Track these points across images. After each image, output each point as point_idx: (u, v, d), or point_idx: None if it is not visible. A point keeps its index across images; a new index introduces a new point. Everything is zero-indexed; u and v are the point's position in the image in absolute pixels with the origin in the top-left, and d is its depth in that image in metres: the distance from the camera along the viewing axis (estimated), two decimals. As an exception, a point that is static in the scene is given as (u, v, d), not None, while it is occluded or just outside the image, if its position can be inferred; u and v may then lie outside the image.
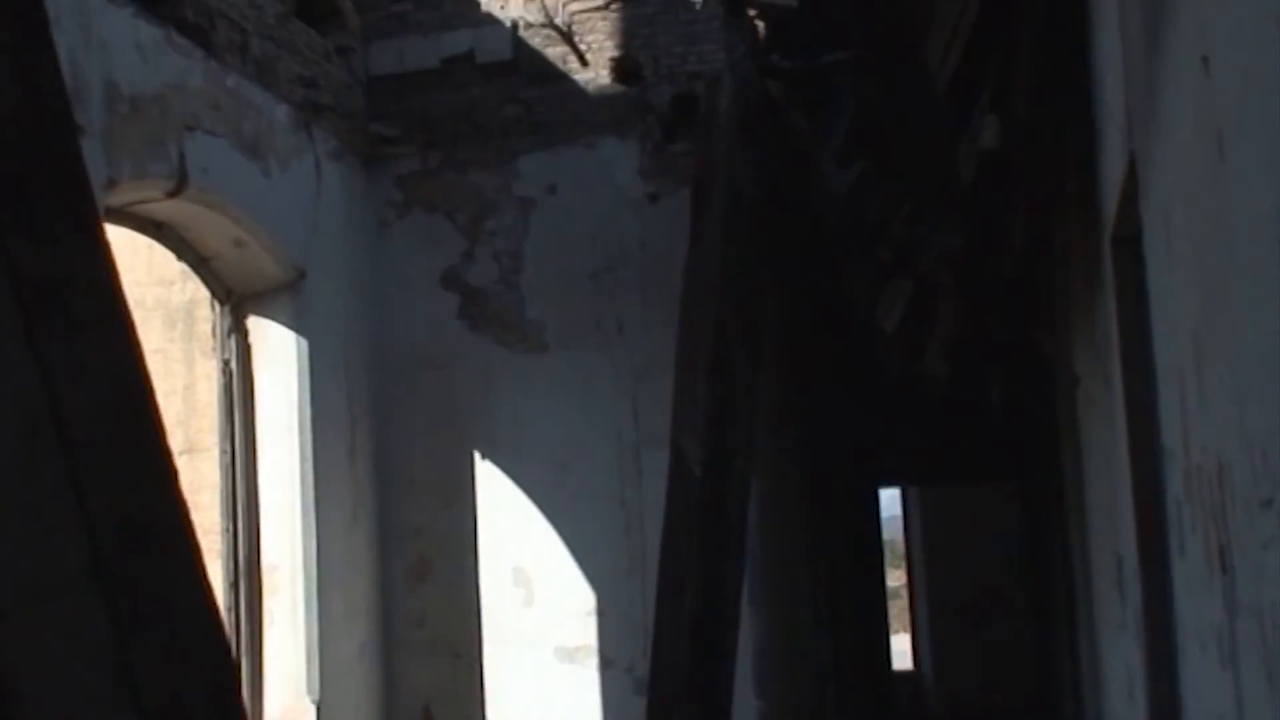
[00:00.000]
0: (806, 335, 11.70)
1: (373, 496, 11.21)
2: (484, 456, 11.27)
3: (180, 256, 10.22)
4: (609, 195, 11.18)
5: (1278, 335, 2.29)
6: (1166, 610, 4.72)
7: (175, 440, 9.86)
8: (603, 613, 10.96)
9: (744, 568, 9.11)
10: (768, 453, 10.60)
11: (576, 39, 11.35)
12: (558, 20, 11.38)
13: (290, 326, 10.48)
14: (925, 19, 7.22)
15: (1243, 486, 2.80)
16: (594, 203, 11.20)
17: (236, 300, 10.53)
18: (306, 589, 10.29)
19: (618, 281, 11.09)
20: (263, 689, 10.29)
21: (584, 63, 11.34)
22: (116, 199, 8.81)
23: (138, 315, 2.53)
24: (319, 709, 10.26)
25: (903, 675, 19.81)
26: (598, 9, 11.36)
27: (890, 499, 19.81)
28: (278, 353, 10.50)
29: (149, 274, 11.00)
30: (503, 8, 11.52)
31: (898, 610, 23.40)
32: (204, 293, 10.65)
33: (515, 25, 11.48)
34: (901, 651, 20.80)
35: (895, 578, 24.29)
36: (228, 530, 10.24)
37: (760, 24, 10.66)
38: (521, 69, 11.46)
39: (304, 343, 10.49)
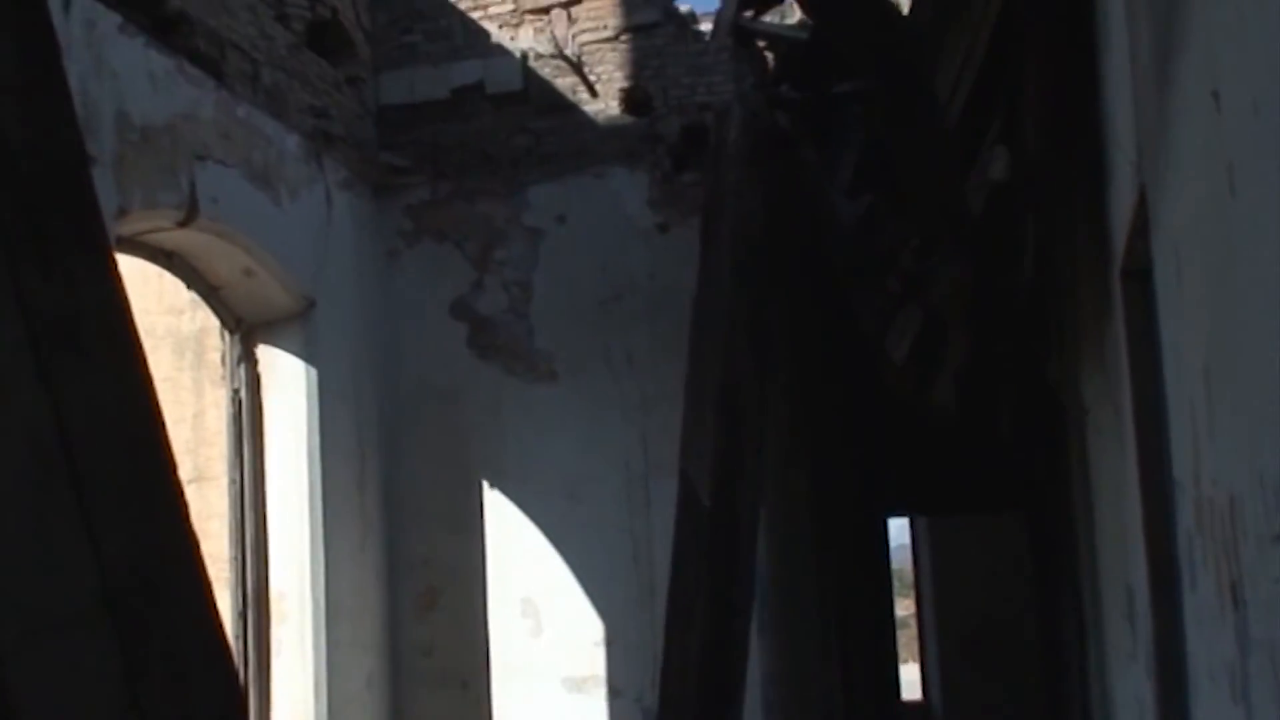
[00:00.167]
0: (815, 365, 11.69)
1: (381, 525, 11.20)
2: (492, 486, 11.26)
3: (190, 285, 10.24)
4: (618, 225, 11.20)
5: (1289, 371, 2.29)
6: (1177, 643, 4.69)
7: (184, 469, 9.86)
8: (611, 642, 10.93)
9: (753, 597, 9.08)
10: (776, 482, 10.58)
11: (586, 70, 11.38)
12: (567, 51, 11.41)
13: (299, 355, 10.49)
14: (935, 51, 7.23)
15: (1254, 521, 2.79)
16: (603, 233, 11.21)
17: (246, 329, 10.54)
18: (315, 618, 10.28)
19: (626, 311, 11.09)
20: (270, 718, 10.27)
21: (593, 93, 11.37)
22: (127, 228, 8.84)
23: (147, 344, 2.53)
24: (326, 739, 10.25)
25: (911, 706, 19.72)
26: (607, 40, 11.40)
27: (898, 528, 19.77)
28: (287, 381, 10.51)
29: (159, 303, 11.02)
30: (513, 39, 11.55)
31: (906, 640, 23.31)
32: (214, 321, 10.67)
33: (525, 56, 11.52)
34: (910, 681, 20.71)
35: (904, 607, 24.21)
36: (236, 559, 10.23)
37: (769, 55, 10.69)
38: (531, 100, 11.50)
39: (313, 372, 10.50)
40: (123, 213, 8.47)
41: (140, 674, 2.19)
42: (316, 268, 10.62)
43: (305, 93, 10.61)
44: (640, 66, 11.36)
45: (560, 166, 11.38)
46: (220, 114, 9.51)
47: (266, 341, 10.54)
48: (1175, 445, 4.24)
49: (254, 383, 10.53)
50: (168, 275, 10.14)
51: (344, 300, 10.95)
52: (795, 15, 10.63)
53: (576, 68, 11.40)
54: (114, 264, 2.58)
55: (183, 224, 9.24)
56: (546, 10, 11.54)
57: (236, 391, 10.49)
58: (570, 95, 11.44)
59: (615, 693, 10.87)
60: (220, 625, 2.42)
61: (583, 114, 11.40)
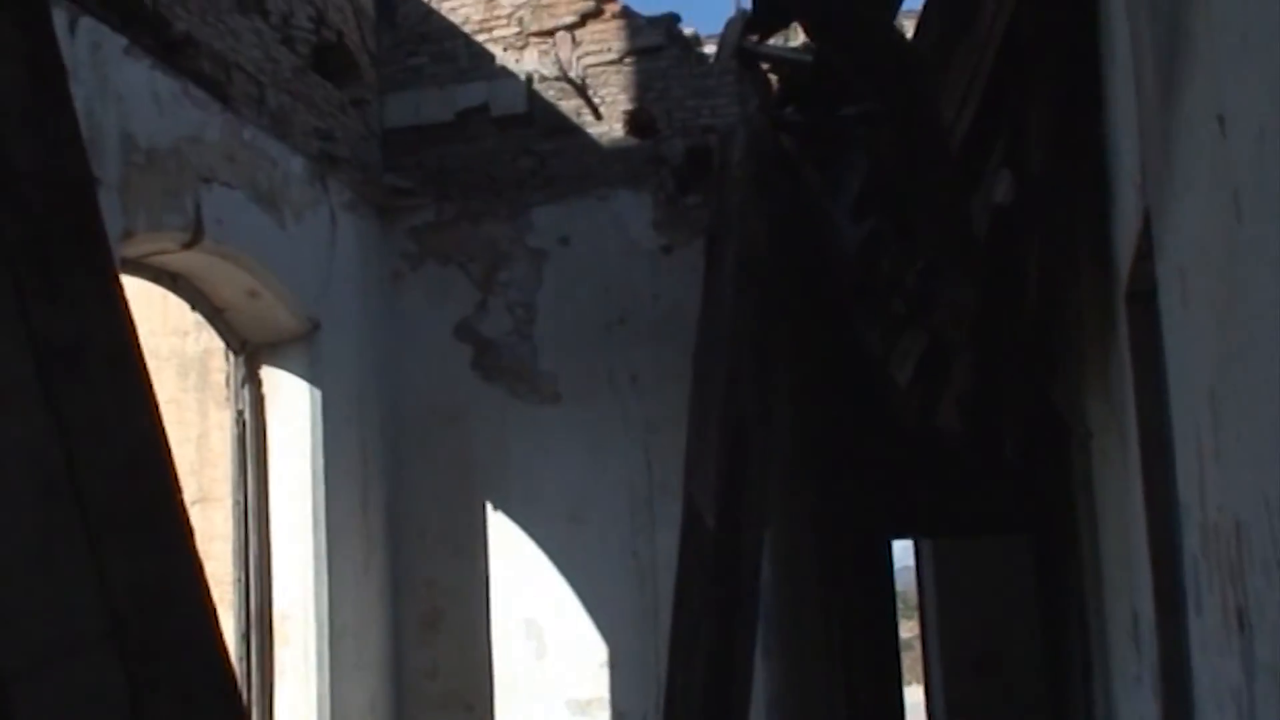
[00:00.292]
0: (819, 388, 11.68)
1: (385, 547, 11.19)
2: (496, 507, 11.26)
3: (195, 307, 10.25)
4: (622, 247, 11.21)
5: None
6: (1183, 667, 4.69)
7: (188, 490, 9.87)
8: (615, 665, 10.91)
9: (757, 620, 9.06)
10: (781, 505, 10.57)
11: (590, 92, 11.41)
12: (572, 74, 11.44)
13: (304, 377, 10.50)
14: (939, 74, 7.24)
15: (1260, 546, 2.78)
16: (607, 255, 11.22)
17: (250, 350, 10.55)
18: (318, 640, 10.26)
19: (631, 333, 11.09)
20: (273, 741, 10.26)
21: (598, 116, 11.39)
22: (132, 250, 8.85)
23: (152, 365, 2.53)
24: (330, 761, 10.23)
25: (915, 729, 19.67)
26: (612, 63, 11.42)
27: (902, 550, 19.74)
28: (291, 403, 10.51)
29: (163, 324, 11.03)
30: (518, 61, 11.58)
31: (910, 662, 23.27)
32: (218, 343, 10.68)
33: (529, 79, 11.54)
34: (914, 704, 20.66)
35: (908, 629, 24.16)
36: (240, 580, 10.23)
37: (773, 78, 10.70)
38: (535, 122, 11.52)
39: (317, 393, 10.50)
40: (128, 234, 8.48)
41: (145, 699, 2.18)
42: (321, 290, 10.63)
43: (310, 115, 10.63)
44: (644, 89, 11.38)
45: (564, 188, 11.39)
46: (225, 136, 9.52)
47: (271, 363, 10.55)
48: (1180, 469, 4.24)
49: (258, 404, 10.53)
50: (172, 296, 10.15)
51: (348, 322, 10.96)
52: (799, 38, 10.65)
53: (581, 90, 11.42)
54: (120, 288, 2.58)
55: (188, 246, 9.25)
56: (551, 33, 11.57)
57: (241, 413, 10.49)
58: (574, 117, 11.46)
59: (619, 715, 10.84)
60: (225, 650, 2.42)
61: (587, 136, 11.42)
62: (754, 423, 8.86)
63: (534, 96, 11.54)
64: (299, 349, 10.53)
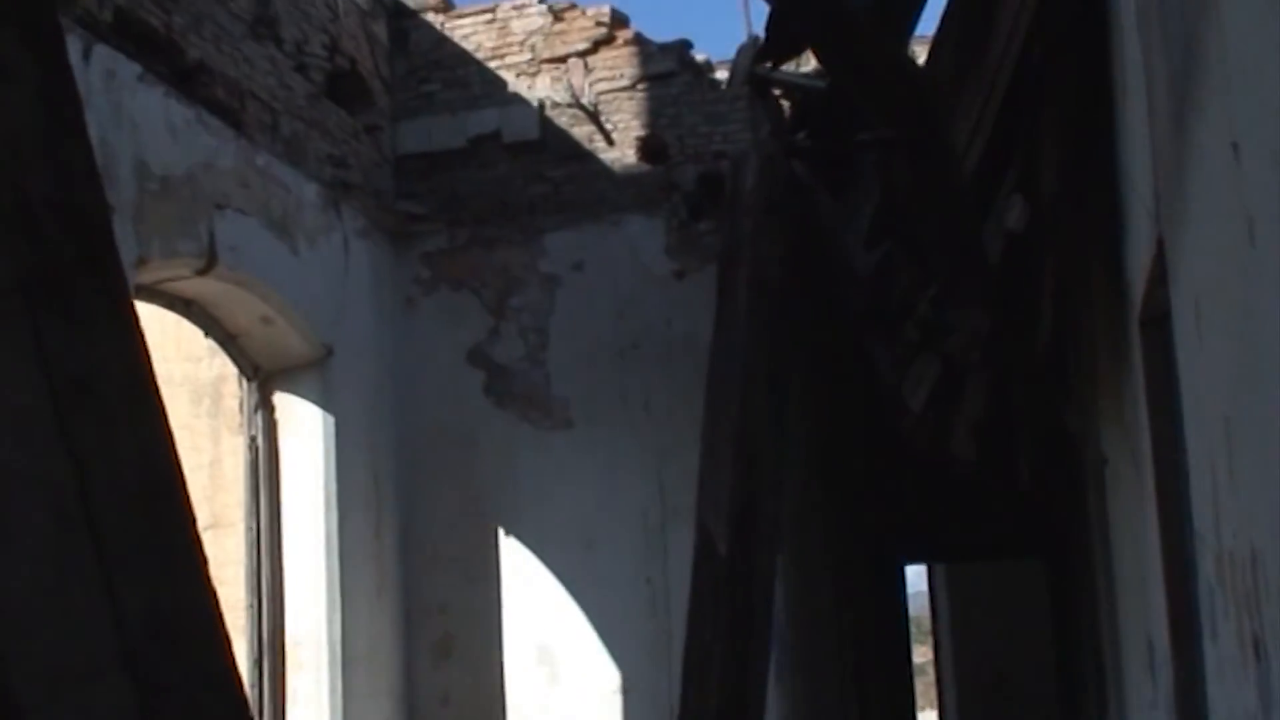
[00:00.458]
0: (832, 413, 11.68)
1: (397, 573, 11.19)
2: (508, 533, 11.25)
3: (208, 333, 10.27)
4: (635, 273, 11.22)
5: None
6: (1198, 695, 4.67)
7: (200, 515, 9.86)
8: (628, 691, 10.89)
9: (771, 645, 9.04)
10: (793, 530, 10.55)
11: (603, 118, 11.43)
12: (584, 100, 11.46)
13: (317, 403, 10.51)
14: (952, 100, 7.25)
15: (1276, 574, 2.77)
16: (620, 280, 11.23)
17: (264, 376, 10.57)
18: (331, 666, 10.26)
19: (643, 359, 11.09)
20: (286, 767, 10.24)
21: (610, 142, 11.41)
22: (146, 277, 8.87)
23: (165, 391, 2.53)
24: (342, 788, 10.21)
25: (929, 754, 19.63)
26: (624, 89, 11.45)
27: (916, 574, 19.71)
28: (304, 429, 10.52)
29: (176, 350, 11.04)
30: (530, 88, 11.61)
31: (924, 687, 23.21)
32: (231, 369, 10.70)
33: (542, 105, 11.57)
34: (928, 730, 20.61)
35: (921, 654, 24.10)
36: (252, 606, 10.22)
37: (786, 103, 10.71)
38: (548, 148, 11.54)
39: (330, 419, 10.51)
40: (142, 261, 8.51)
41: (159, 730, 2.18)
42: (334, 315, 10.65)
43: (324, 142, 10.66)
44: (656, 115, 11.40)
45: (577, 214, 11.41)
46: (239, 163, 9.55)
47: (284, 389, 10.56)
48: (1195, 496, 4.22)
49: (271, 430, 10.54)
50: (185, 322, 10.17)
51: (361, 348, 10.97)
52: (811, 63, 10.66)
53: (593, 116, 11.44)
54: (135, 317, 2.58)
55: (202, 272, 9.28)
56: (563, 60, 11.60)
57: (254, 438, 10.50)
58: (587, 144, 11.49)
59: (632, 742, 10.82)
60: (239, 680, 2.42)
61: (599, 162, 11.44)
62: (767, 449, 8.85)
63: (546, 123, 11.56)
64: (312, 375, 10.54)
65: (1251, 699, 3.22)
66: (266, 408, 10.54)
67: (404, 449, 11.36)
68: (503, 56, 11.72)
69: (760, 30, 9.68)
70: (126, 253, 7.82)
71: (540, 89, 11.61)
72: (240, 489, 10.55)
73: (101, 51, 8.20)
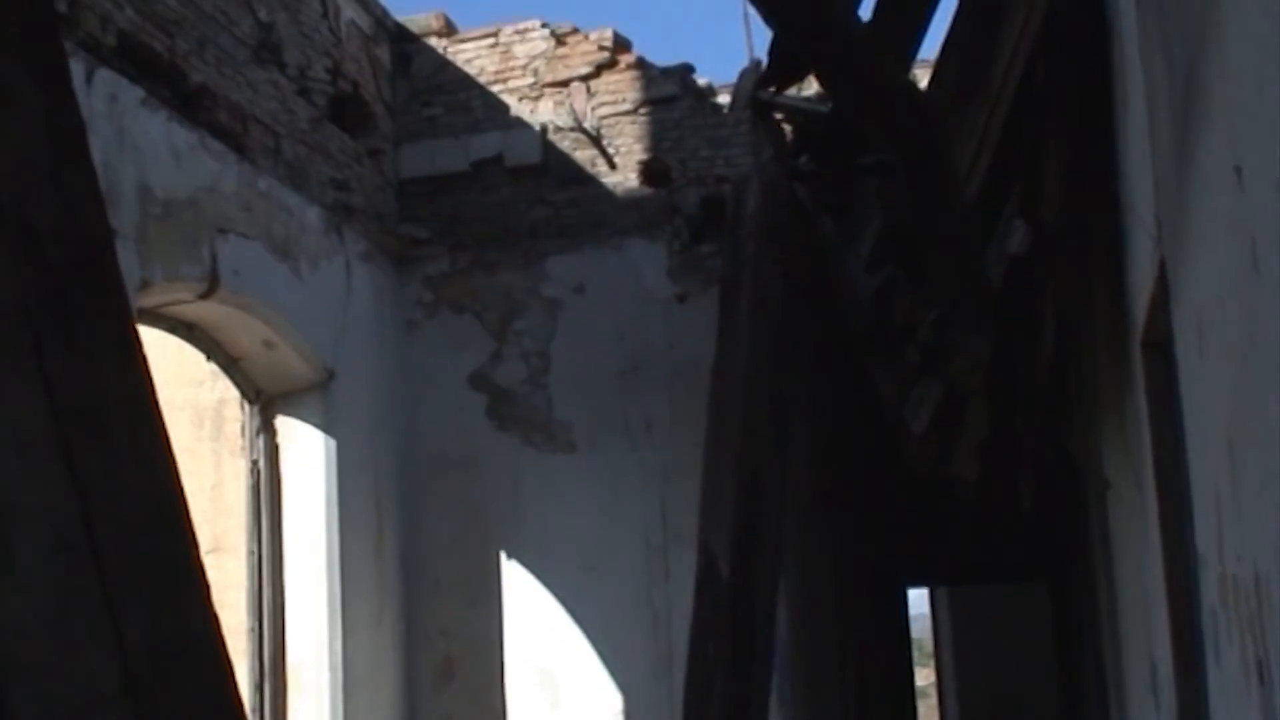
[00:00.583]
0: (834, 436, 11.67)
1: (399, 596, 11.17)
2: (510, 557, 11.23)
3: (210, 357, 10.27)
4: (637, 296, 11.22)
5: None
6: (1202, 717, 4.66)
7: (202, 539, 9.85)
8: (630, 715, 10.87)
9: (773, 669, 9.02)
10: (796, 553, 10.53)
11: (605, 142, 11.45)
12: (586, 124, 11.48)
13: (319, 426, 10.51)
14: (954, 124, 7.26)
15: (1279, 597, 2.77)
16: (622, 303, 11.23)
17: (265, 400, 10.57)
18: (332, 689, 10.24)
19: (645, 382, 11.09)
20: (287, 792, 10.21)
21: (612, 166, 11.43)
22: (149, 300, 8.87)
23: (166, 414, 2.53)
24: (344, 813, 10.18)
25: (932, 778, 19.57)
26: (626, 113, 11.47)
27: (918, 597, 19.67)
28: (306, 452, 10.52)
29: (178, 374, 11.04)
30: (532, 112, 11.63)
31: (926, 710, 23.15)
32: (233, 392, 10.69)
33: (544, 129, 11.59)
34: (931, 753, 20.55)
35: (923, 676, 24.05)
36: (254, 630, 10.21)
37: (788, 127, 10.72)
38: (550, 172, 11.56)
39: (332, 443, 10.51)
40: (145, 285, 8.51)
41: (163, 759, 2.17)
42: (336, 339, 10.65)
43: (326, 165, 10.68)
44: (658, 139, 11.42)
45: (579, 238, 11.42)
46: (242, 187, 9.57)
47: (285, 412, 10.56)
48: (1198, 519, 4.22)
49: (273, 453, 10.54)
50: (187, 346, 10.17)
51: (363, 371, 10.97)
52: (813, 87, 10.67)
53: (595, 140, 11.46)
54: (139, 343, 2.58)
55: (204, 296, 9.28)
56: (566, 84, 11.62)
57: (255, 462, 10.50)
58: (589, 167, 11.50)
59: (634, 765, 10.80)
60: (241, 707, 2.41)
61: (601, 186, 11.45)
62: (769, 471, 8.84)
63: (549, 147, 11.58)
64: (314, 398, 10.54)
65: (1256, 722, 3.21)
66: (268, 431, 10.54)
67: (406, 472, 11.35)
68: (505, 80, 11.74)
69: (762, 54, 9.69)
70: (129, 276, 7.82)
71: (543, 113, 11.63)
72: (242, 513, 10.54)
73: (105, 75, 8.22)
